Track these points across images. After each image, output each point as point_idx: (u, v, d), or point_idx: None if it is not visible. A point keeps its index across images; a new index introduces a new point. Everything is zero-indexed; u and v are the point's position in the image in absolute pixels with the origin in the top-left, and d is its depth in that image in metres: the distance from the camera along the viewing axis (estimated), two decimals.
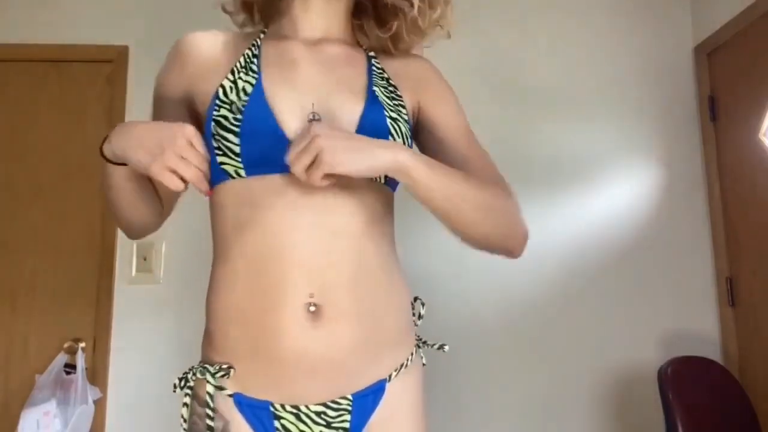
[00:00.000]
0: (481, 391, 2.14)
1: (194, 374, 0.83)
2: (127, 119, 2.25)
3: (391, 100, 0.86)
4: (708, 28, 2.25)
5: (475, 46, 2.34)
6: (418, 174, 0.76)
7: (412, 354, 0.87)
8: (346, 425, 0.80)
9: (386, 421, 0.82)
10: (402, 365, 0.84)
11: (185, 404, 0.82)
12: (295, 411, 0.79)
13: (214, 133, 0.80)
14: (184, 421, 0.81)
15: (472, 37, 2.34)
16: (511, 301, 2.19)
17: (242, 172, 0.80)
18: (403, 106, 0.87)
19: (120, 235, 2.19)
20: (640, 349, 2.17)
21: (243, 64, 0.85)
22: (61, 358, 2.07)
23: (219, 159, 0.80)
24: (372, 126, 0.81)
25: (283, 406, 0.79)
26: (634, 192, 2.27)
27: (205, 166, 0.74)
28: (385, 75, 0.90)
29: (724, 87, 2.20)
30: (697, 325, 2.20)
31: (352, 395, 0.80)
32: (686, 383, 1.83)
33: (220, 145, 0.80)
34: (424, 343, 0.92)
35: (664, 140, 2.30)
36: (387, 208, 0.87)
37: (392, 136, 0.81)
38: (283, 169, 0.75)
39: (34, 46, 2.28)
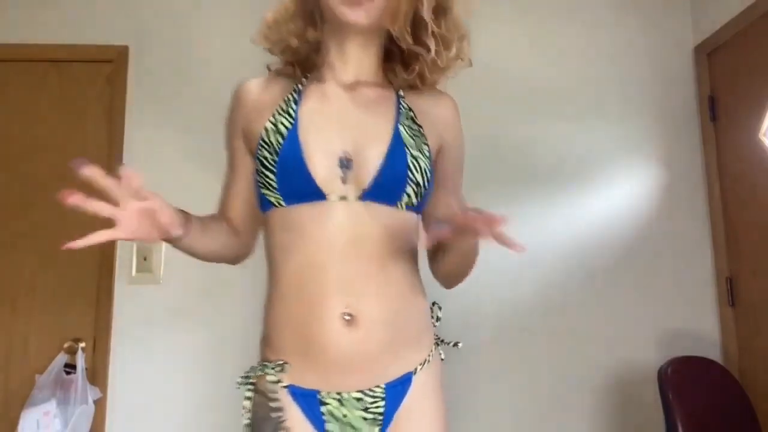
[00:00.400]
0: (481, 390, 2.14)
1: (256, 372, 0.99)
2: (127, 119, 2.25)
3: (414, 139, 0.97)
4: (708, 28, 2.25)
5: (476, 47, 2.33)
6: (472, 253, 0.99)
7: (431, 351, 1.02)
8: (381, 410, 0.95)
9: (413, 407, 0.97)
10: (425, 360, 1.00)
11: (248, 398, 0.99)
12: (338, 398, 0.95)
13: (258, 170, 0.96)
14: (248, 411, 0.99)
15: (472, 37, 2.34)
16: (511, 300, 2.19)
17: (282, 202, 0.95)
18: (426, 144, 0.99)
19: None
20: (640, 349, 2.17)
21: (284, 107, 0.98)
22: (61, 358, 2.07)
23: (263, 191, 0.97)
24: (393, 164, 0.94)
25: (328, 394, 0.95)
26: (634, 192, 2.27)
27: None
28: (412, 113, 1.01)
29: (724, 87, 2.20)
30: (697, 325, 2.20)
31: (385, 385, 0.95)
32: (686, 383, 1.83)
33: (263, 181, 0.96)
34: (442, 341, 1.07)
35: (664, 140, 2.30)
36: (409, 229, 0.99)
37: (411, 172, 0.94)
38: (316, 198, 0.92)
39: (34, 46, 2.28)
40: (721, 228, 2.19)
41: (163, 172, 2.23)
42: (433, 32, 0.98)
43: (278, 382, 0.95)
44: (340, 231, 0.92)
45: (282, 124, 0.95)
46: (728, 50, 2.17)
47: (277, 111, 0.97)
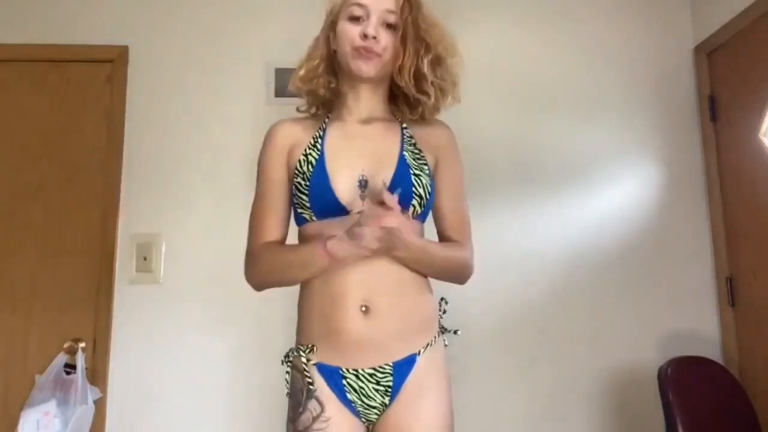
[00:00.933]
0: (481, 391, 2.14)
1: (293, 353, 1.23)
2: (126, 119, 2.25)
3: (416, 161, 1.23)
4: (708, 28, 2.25)
5: (476, 47, 2.33)
6: (407, 259, 1.20)
7: (435, 337, 1.25)
8: (390, 383, 1.18)
9: (418, 383, 1.19)
10: (428, 344, 1.22)
11: (288, 373, 1.24)
12: (355, 373, 1.18)
13: (295, 193, 1.22)
14: (287, 384, 1.24)
15: (473, 38, 2.34)
16: (511, 300, 2.19)
17: (314, 217, 1.20)
18: (426, 164, 1.24)
19: (120, 235, 2.19)
20: (640, 349, 2.17)
21: (313, 142, 1.24)
22: (61, 358, 2.07)
23: (299, 210, 1.22)
24: (400, 181, 1.17)
25: (347, 370, 1.18)
26: (634, 192, 2.27)
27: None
28: (413, 141, 1.27)
29: (724, 87, 2.20)
30: (697, 325, 2.20)
31: (393, 363, 1.18)
32: (686, 383, 1.83)
33: (299, 201, 1.21)
34: (445, 330, 1.31)
35: (664, 140, 2.30)
36: (417, 235, 1.20)
37: (415, 187, 1.18)
38: (340, 213, 1.16)
39: (34, 46, 2.28)
40: (721, 228, 2.19)
41: (163, 172, 2.23)
42: (432, 83, 1.23)
43: (309, 361, 1.19)
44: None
45: (312, 155, 1.21)
46: (728, 50, 2.17)
47: (308, 146, 1.23)
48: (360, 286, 1.15)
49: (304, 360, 1.19)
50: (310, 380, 1.18)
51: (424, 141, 1.28)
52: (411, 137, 1.27)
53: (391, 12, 1.21)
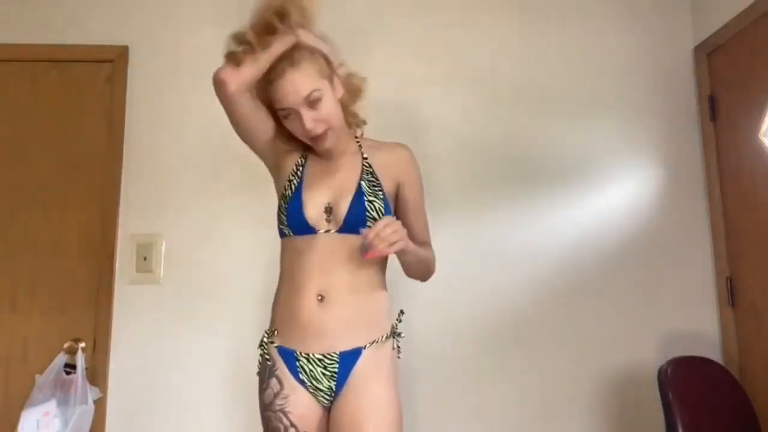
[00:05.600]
0: (481, 391, 2.14)
1: (263, 337, 1.43)
2: (127, 119, 2.25)
3: (371, 188, 1.40)
4: (708, 28, 2.25)
5: (477, 48, 2.34)
6: (407, 260, 1.46)
7: (383, 337, 1.38)
8: (335, 370, 1.33)
9: (364, 375, 1.33)
10: (374, 341, 1.36)
11: (260, 354, 1.42)
12: (306, 356, 1.34)
13: (278, 210, 1.43)
14: (259, 363, 1.42)
15: (473, 37, 2.34)
16: (511, 300, 2.19)
17: (291, 233, 1.39)
18: (381, 190, 1.41)
19: (120, 235, 2.19)
20: (640, 349, 2.17)
21: (294, 170, 1.45)
22: (61, 358, 2.07)
23: (280, 225, 1.41)
24: (356, 208, 1.36)
25: (301, 353, 1.35)
26: (634, 192, 2.27)
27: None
28: (371, 169, 1.44)
29: (724, 87, 2.20)
30: (697, 325, 2.20)
31: (339, 352, 1.34)
32: (686, 383, 1.83)
33: (280, 218, 1.41)
34: (397, 334, 1.45)
35: (664, 140, 2.30)
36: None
37: (368, 212, 1.36)
38: (310, 232, 1.37)
39: (34, 46, 2.28)
40: (721, 228, 2.19)
41: (163, 172, 2.23)
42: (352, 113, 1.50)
43: (273, 343, 1.39)
44: (323, 249, 1.36)
45: (293, 182, 1.42)
46: (728, 50, 2.17)
47: (291, 172, 1.45)
48: (320, 278, 1.34)
49: (266, 341, 1.41)
50: (269, 359, 1.38)
51: (383, 169, 1.45)
52: (369, 167, 1.45)
53: (312, 92, 1.33)
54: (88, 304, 2.15)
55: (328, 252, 1.36)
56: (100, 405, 2.04)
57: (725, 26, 2.14)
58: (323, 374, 1.33)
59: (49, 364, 2.05)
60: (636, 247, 2.23)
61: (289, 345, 1.36)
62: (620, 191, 2.27)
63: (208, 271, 2.17)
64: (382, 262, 1.45)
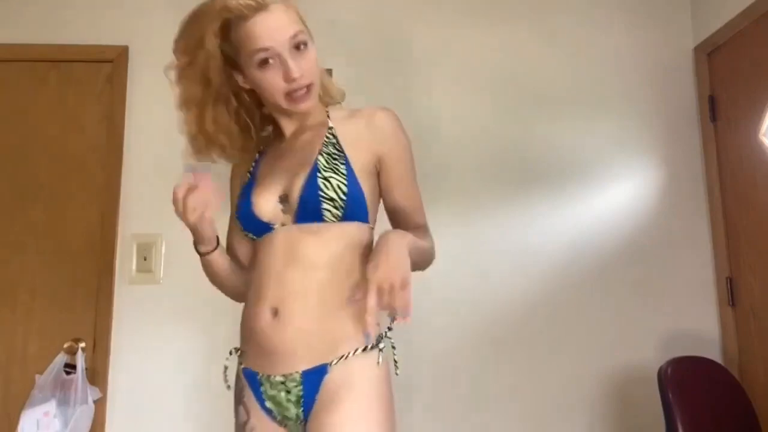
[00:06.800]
0: (481, 391, 2.14)
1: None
2: (127, 119, 2.25)
3: (330, 162, 1.16)
4: (708, 28, 2.25)
5: (475, 47, 2.34)
6: (410, 254, 1.12)
7: (356, 350, 1.11)
8: (300, 394, 1.11)
9: (329, 397, 1.09)
10: (342, 356, 1.10)
11: (225, 373, 1.26)
12: (268, 379, 1.13)
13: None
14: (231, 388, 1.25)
15: (472, 37, 2.34)
16: (511, 300, 2.19)
17: (253, 236, 1.22)
18: (344, 163, 1.16)
19: (120, 235, 2.19)
20: (640, 349, 2.17)
21: (248, 170, 1.27)
22: (61, 358, 2.06)
23: (243, 232, 1.24)
24: (308, 188, 1.13)
25: (263, 375, 1.14)
26: (634, 192, 2.27)
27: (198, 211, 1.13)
28: (334, 140, 1.20)
29: (724, 87, 2.20)
30: (697, 325, 2.20)
31: (302, 372, 1.10)
32: (686, 383, 1.83)
33: (238, 226, 1.24)
34: (382, 348, 1.15)
35: (664, 140, 2.30)
36: (347, 238, 1.16)
37: (322, 191, 1.12)
38: (267, 231, 1.18)
39: (34, 46, 2.28)
40: (721, 228, 2.19)
41: (163, 172, 2.23)
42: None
43: (240, 363, 1.21)
44: (281, 248, 1.15)
45: (244, 183, 1.25)
46: (728, 50, 2.17)
47: (242, 181, 1.26)
48: (275, 288, 1.14)
49: (226, 364, 1.23)
50: (227, 384, 1.23)
51: (354, 139, 1.20)
52: (333, 137, 1.20)
53: (297, 33, 1.13)
54: (88, 304, 2.15)
55: (286, 251, 1.15)
56: (100, 405, 2.04)
57: (725, 26, 2.14)
58: (288, 400, 1.12)
59: (49, 364, 2.05)
60: (636, 247, 2.23)
61: (253, 366, 1.16)
62: (620, 191, 2.27)
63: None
64: (361, 255, 1.17)
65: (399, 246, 1.07)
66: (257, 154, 1.30)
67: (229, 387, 1.24)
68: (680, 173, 2.28)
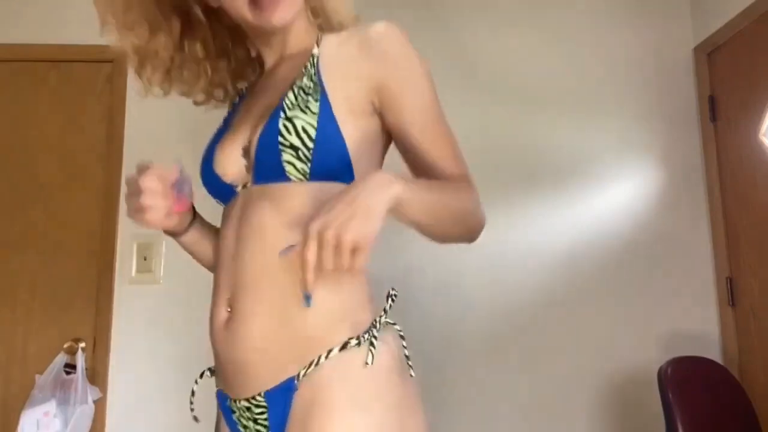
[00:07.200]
0: (480, 391, 2.14)
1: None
2: (127, 119, 2.25)
3: (299, 98, 0.84)
4: (708, 28, 2.25)
5: (475, 46, 2.34)
6: (409, 211, 0.77)
7: (327, 353, 0.80)
8: (266, 422, 0.83)
9: (304, 418, 0.79)
10: (312, 363, 0.80)
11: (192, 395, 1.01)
12: (235, 404, 0.87)
13: None
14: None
15: (471, 36, 2.34)
16: (511, 301, 2.19)
17: (220, 202, 0.97)
18: (318, 99, 0.83)
19: (120, 235, 2.19)
20: (640, 350, 2.17)
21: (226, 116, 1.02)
22: (61, 358, 2.06)
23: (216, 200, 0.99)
24: (266, 134, 0.84)
25: (231, 399, 0.87)
26: (634, 192, 2.27)
27: (152, 198, 0.89)
28: (313, 70, 0.88)
29: (724, 87, 2.20)
30: (697, 325, 2.20)
31: (265, 393, 0.82)
32: (686, 383, 1.82)
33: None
34: (371, 343, 0.82)
35: (664, 140, 2.30)
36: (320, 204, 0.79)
37: (282, 136, 0.82)
38: (232, 194, 0.91)
39: (34, 46, 2.28)
40: (721, 228, 2.19)
41: None
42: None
43: (217, 385, 0.94)
44: (236, 219, 0.88)
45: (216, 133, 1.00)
46: (728, 50, 2.17)
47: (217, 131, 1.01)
48: (227, 276, 0.86)
49: (195, 388, 0.98)
50: (194, 416, 1.00)
51: (343, 66, 0.88)
52: (313, 66, 0.88)
53: None
54: (88, 304, 2.15)
55: (240, 224, 0.86)
56: (100, 405, 2.04)
57: (725, 26, 2.14)
58: (257, 430, 0.85)
59: (49, 364, 2.05)
60: (636, 247, 2.23)
61: (223, 387, 0.90)
62: (620, 191, 2.27)
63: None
64: None
65: (375, 191, 0.72)
66: (238, 97, 1.05)
67: (195, 419, 1.00)
68: (680, 173, 2.28)
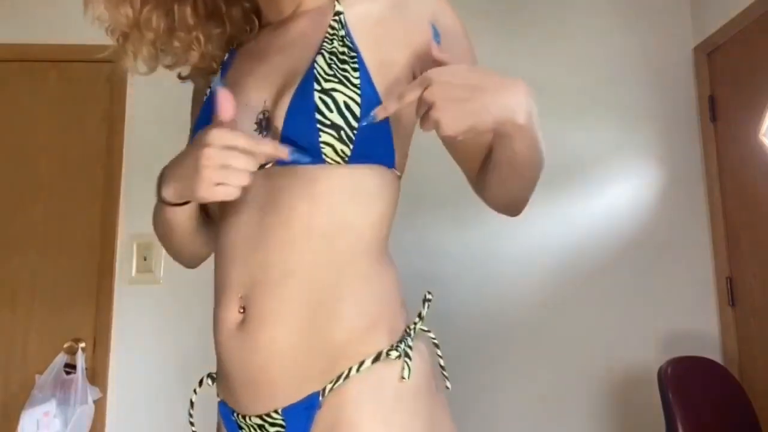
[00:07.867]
0: (481, 391, 2.14)
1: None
2: (127, 119, 2.25)
3: (334, 66, 0.72)
4: (708, 28, 2.25)
5: (478, 50, 2.33)
6: (525, 136, 0.66)
7: (361, 363, 0.71)
8: None
9: None
10: (341, 376, 0.70)
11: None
12: (244, 421, 0.75)
13: None
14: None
15: (471, 36, 2.34)
16: (511, 301, 2.19)
17: None
18: (357, 68, 0.72)
19: (120, 235, 2.19)
20: (640, 349, 2.17)
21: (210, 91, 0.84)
22: (61, 358, 2.07)
23: None
24: (299, 108, 0.71)
25: (238, 415, 0.76)
26: (634, 192, 2.27)
27: (249, 160, 0.67)
28: (343, 32, 0.75)
29: (724, 87, 2.20)
30: (697, 325, 2.19)
31: (282, 410, 0.71)
32: (686, 383, 1.82)
33: None
34: (407, 354, 0.73)
35: (664, 140, 2.30)
36: (355, 193, 0.74)
37: (321, 113, 0.70)
38: None
39: (34, 46, 2.28)
40: (721, 228, 2.19)
41: None
42: None
43: (218, 395, 0.82)
44: (254, 205, 0.74)
45: (204, 104, 0.83)
46: (728, 50, 2.17)
47: (205, 93, 0.84)
48: (242, 271, 0.73)
49: (193, 398, 0.86)
50: (194, 430, 0.89)
51: (376, 29, 0.76)
52: (341, 26, 0.76)
53: None
54: (88, 304, 2.15)
55: (261, 210, 0.74)
56: (100, 405, 2.04)
57: (725, 26, 2.14)
58: None
59: (49, 364, 2.05)
60: (636, 247, 2.22)
61: (228, 400, 0.78)
62: (620, 191, 2.26)
63: (208, 271, 2.16)
64: (374, 221, 0.75)
65: (522, 89, 0.66)
66: (227, 54, 0.87)
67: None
68: (680, 173, 2.28)
